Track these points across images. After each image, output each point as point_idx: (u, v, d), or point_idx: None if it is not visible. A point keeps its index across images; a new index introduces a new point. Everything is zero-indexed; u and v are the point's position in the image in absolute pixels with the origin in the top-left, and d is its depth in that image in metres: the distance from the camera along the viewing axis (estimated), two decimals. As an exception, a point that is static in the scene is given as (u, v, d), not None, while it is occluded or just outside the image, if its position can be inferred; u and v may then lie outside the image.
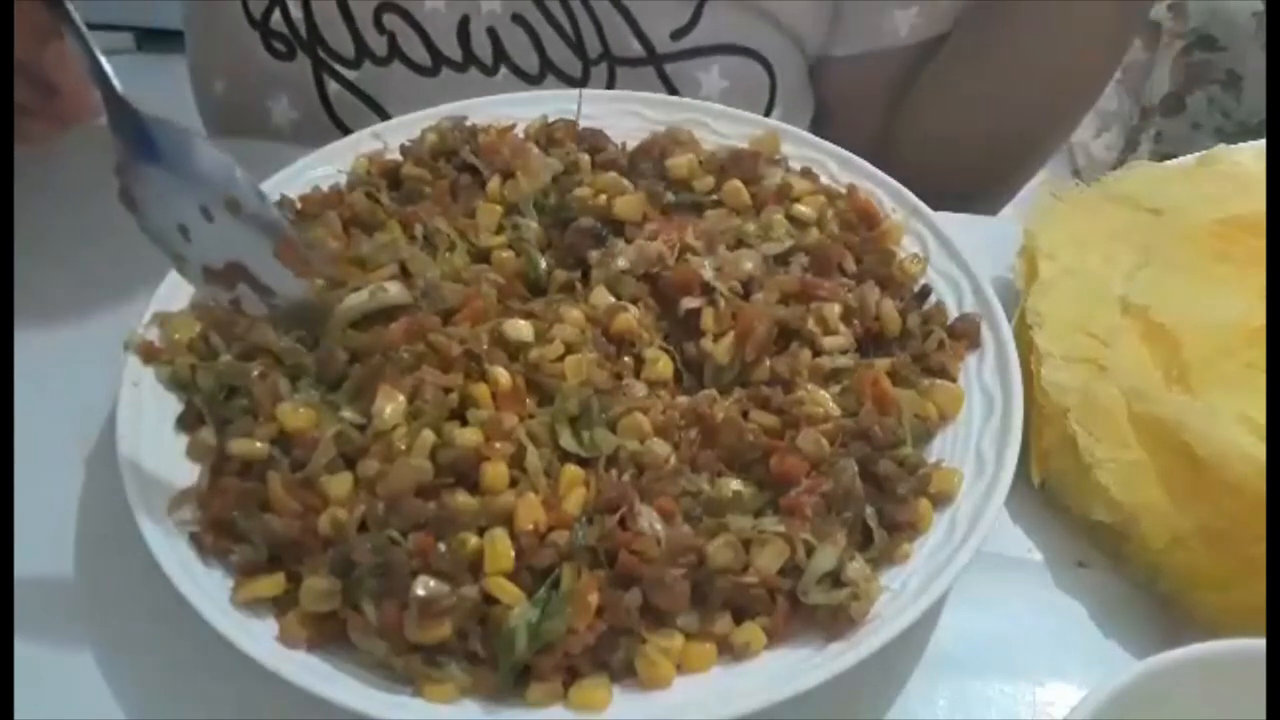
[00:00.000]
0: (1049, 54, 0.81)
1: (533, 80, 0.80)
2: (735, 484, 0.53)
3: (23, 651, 0.50)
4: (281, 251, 0.52)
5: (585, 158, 0.65)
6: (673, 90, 0.79)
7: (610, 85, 0.79)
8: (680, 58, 0.79)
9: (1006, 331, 0.59)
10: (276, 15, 0.80)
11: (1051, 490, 0.58)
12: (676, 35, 0.78)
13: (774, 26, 0.80)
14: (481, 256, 0.62)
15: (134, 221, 0.55)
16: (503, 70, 0.80)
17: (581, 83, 0.79)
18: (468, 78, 0.80)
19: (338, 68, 0.81)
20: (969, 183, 0.80)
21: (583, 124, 0.68)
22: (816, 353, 0.58)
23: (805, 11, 0.80)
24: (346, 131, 0.72)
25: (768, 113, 0.81)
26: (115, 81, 0.52)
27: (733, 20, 0.78)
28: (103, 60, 0.52)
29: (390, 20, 0.79)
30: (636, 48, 0.78)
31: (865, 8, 0.81)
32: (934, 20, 0.82)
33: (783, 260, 0.61)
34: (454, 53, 0.80)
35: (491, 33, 0.79)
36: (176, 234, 0.52)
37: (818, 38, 0.82)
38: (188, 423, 0.56)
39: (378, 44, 0.80)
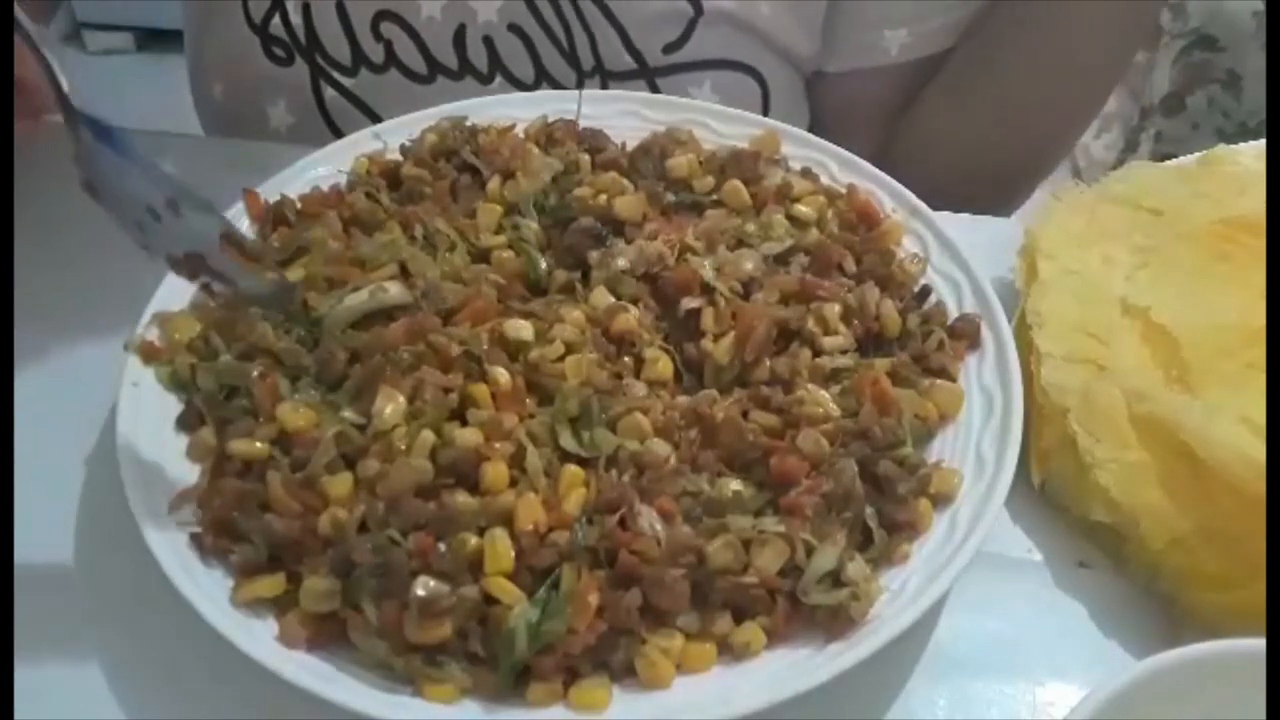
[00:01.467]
0: (1059, 56, 0.81)
1: (528, 89, 0.80)
2: (735, 484, 0.53)
3: (23, 652, 0.50)
4: (226, 249, 0.53)
5: (585, 158, 0.66)
6: None
7: None
8: (672, 72, 0.79)
9: (1006, 331, 0.59)
10: (276, 20, 0.80)
11: (1051, 490, 0.58)
12: (668, 50, 0.78)
13: (765, 43, 0.80)
14: (481, 256, 0.62)
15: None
16: (498, 79, 0.80)
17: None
18: (463, 86, 0.80)
19: (335, 75, 0.81)
20: (978, 188, 0.80)
21: (583, 124, 0.69)
22: (816, 353, 0.58)
23: (796, 28, 0.80)
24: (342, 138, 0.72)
25: None
26: (61, 79, 0.53)
27: (725, 36, 0.79)
28: (50, 59, 0.53)
29: (387, 28, 0.79)
30: (628, 61, 0.78)
31: (855, 27, 0.81)
32: (925, 40, 0.82)
33: (783, 260, 0.61)
34: (450, 61, 0.80)
35: (487, 41, 0.79)
36: (136, 227, 0.53)
37: (809, 54, 0.83)
38: (188, 423, 0.56)
39: (374, 51, 0.80)
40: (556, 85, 0.80)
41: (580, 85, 0.79)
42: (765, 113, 0.81)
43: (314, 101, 0.82)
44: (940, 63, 0.84)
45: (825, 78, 0.84)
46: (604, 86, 0.79)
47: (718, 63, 0.79)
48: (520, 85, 0.80)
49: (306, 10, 0.80)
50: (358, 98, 0.81)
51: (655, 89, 0.79)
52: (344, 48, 0.80)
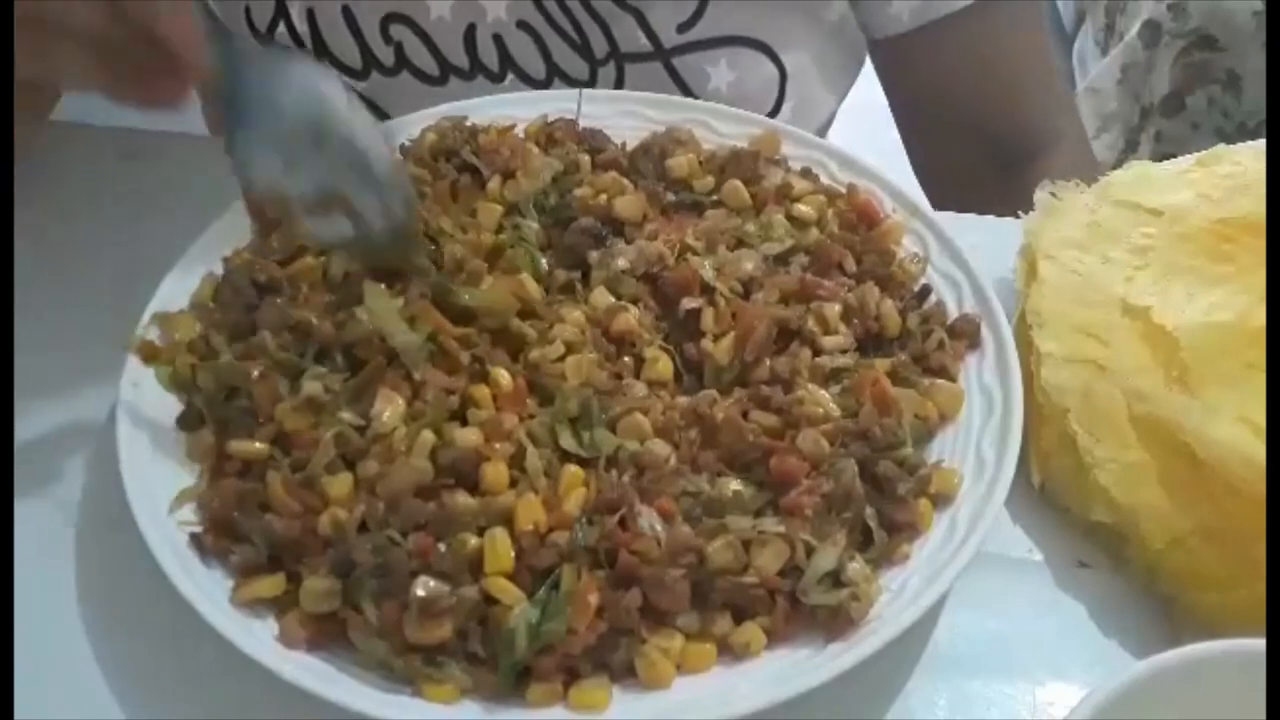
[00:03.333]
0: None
1: (540, 86, 0.79)
2: (735, 484, 0.53)
3: (23, 651, 0.50)
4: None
5: (585, 158, 0.65)
6: (682, 85, 0.79)
7: (619, 86, 0.79)
8: (687, 51, 0.79)
9: (1006, 331, 0.59)
10: (281, 28, 0.80)
11: (1051, 490, 0.58)
12: (682, 28, 0.78)
13: (783, 11, 0.80)
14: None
15: (134, 222, 0.55)
16: (510, 77, 0.80)
17: (589, 86, 0.79)
18: (475, 85, 0.80)
19: (345, 79, 0.80)
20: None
21: (583, 124, 0.68)
22: (816, 353, 0.58)
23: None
24: None
25: (778, 105, 0.81)
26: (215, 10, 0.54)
27: (738, 11, 0.79)
28: None
29: (397, 30, 0.79)
30: (644, 43, 0.78)
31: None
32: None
33: (783, 260, 0.61)
34: (461, 61, 0.80)
35: (497, 40, 0.79)
36: (279, 179, 0.54)
37: (835, 19, 0.82)
38: (188, 423, 0.56)
39: (385, 54, 0.80)
40: (569, 80, 0.79)
41: (594, 76, 0.79)
42: (781, 91, 0.81)
43: None
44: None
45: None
46: (619, 72, 0.79)
47: (732, 39, 0.79)
48: (532, 83, 0.80)
49: (311, 16, 0.79)
50: (370, 101, 0.81)
51: (671, 70, 0.79)
52: (353, 51, 0.80)
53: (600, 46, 0.78)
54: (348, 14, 0.79)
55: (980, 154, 0.89)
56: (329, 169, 0.54)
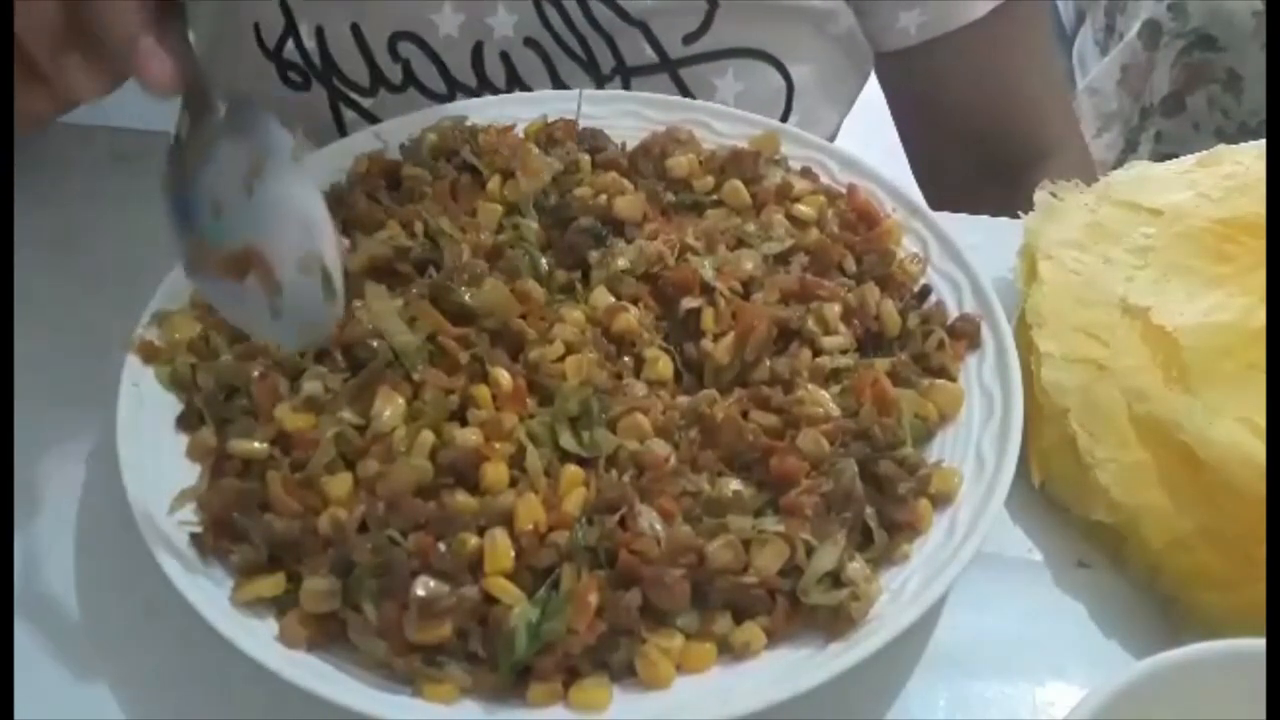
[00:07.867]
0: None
1: None
2: (735, 484, 0.53)
3: (23, 651, 0.50)
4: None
5: (585, 158, 0.65)
6: (688, 97, 0.79)
7: None
8: (694, 62, 0.79)
9: (1006, 331, 0.59)
10: (290, 45, 0.80)
11: (1051, 490, 0.58)
12: (689, 40, 0.78)
13: (788, 27, 0.79)
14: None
15: (133, 221, 0.55)
16: (516, 94, 0.79)
17: None
18: None
19: (354, 96, 0.81)
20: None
21: (583, 124, 0.68)
22: (816, 353, 0.58)
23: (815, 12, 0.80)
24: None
25: (785, 114, 0.81)
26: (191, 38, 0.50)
27: (745, 23, 0.78)
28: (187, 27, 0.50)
29: (405, 48, 0.79)
30: (650, 55, 0.78)
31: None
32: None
33: (783, 260, 0.61)
34: (468, 78, 0.79)
35: (504, 57, 0.79)
36: (207, 208, 0.50)
37: (841, 31, 0.82)
38: (188, 423, 0.56)
39: (393, 72, 0.80)
40: None
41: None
42: (789, 101, 0.81)
43: (334, 125, 0.82)
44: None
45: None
46: (626, 85, 0.79)
47: (738, 51, 0.79)
48: None
49: (320, 34, 0.79)
50: (377, 118, 0.81)
51: (678, 81, 0.79)
52: (362, 69, 0.80)
53: (606, 62, 0.78)
54: (356, 31, 0.79)
55: (981, 161, 0.89)
56: (253, 219, 0.49)
